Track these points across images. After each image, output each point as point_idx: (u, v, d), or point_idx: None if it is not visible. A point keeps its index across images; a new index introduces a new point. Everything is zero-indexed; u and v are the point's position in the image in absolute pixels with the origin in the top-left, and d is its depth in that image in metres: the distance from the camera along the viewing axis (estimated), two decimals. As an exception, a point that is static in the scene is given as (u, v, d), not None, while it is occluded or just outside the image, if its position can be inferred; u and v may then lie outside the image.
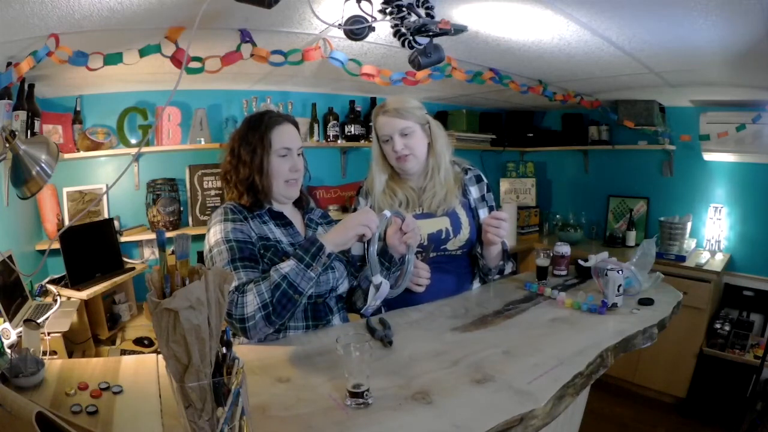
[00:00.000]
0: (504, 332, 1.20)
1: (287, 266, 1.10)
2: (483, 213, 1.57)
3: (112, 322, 2.29)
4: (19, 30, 1.38)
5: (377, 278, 1.24)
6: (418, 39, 1.29)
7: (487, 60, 2.14)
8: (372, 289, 1.25)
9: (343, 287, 1.35)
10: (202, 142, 2.59)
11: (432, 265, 1.47)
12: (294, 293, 1.09)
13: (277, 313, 1.09)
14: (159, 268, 0.70)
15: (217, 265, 1.15)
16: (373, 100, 3.18)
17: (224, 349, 0.72)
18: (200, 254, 2.60)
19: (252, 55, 1.68)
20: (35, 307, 1.90)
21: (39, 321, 1.72)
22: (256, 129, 1.27)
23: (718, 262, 2.86)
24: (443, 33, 1.27)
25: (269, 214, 1.30)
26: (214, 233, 1.20)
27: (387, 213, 1.29)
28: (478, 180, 1.61)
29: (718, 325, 2.73)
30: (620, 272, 1.35)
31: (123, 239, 2.45)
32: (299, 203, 1.42)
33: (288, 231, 1.30)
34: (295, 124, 1.34)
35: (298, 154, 1.32)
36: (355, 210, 1.58)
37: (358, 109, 3.11)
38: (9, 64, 1.53)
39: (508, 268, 1.61)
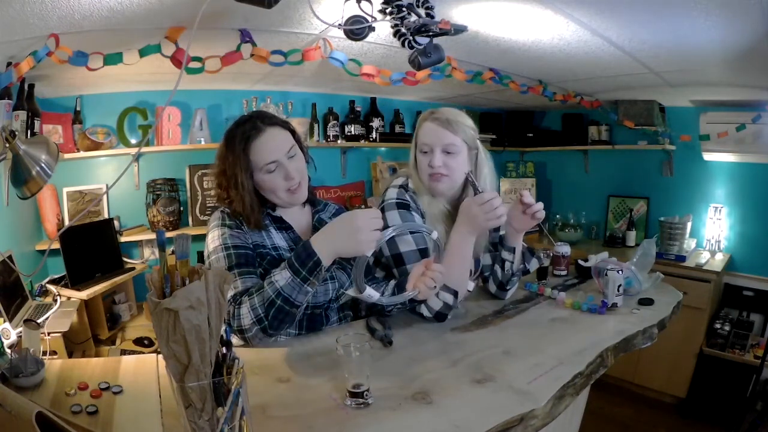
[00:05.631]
0: (504, 332, 1.20)
1: (282, 279, 1.01)
2: None
3: (112, 322, 2.29)
4: (19, 30, 1.38)
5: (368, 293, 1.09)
6: (418, 39, 1.29)
7: (487, 60, 2.14)
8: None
9: (347, 297, 1.27)
10: (202, 142, 2.59)
11: None
12: (290, 307, 1.02)
13: (274, 327, 1.04)
14: (159, 268, 0.70)
15: None
16: (373, 100, 3.19)
17: (224, 349, 0.72)
18: (200, 254, 2.60)
19: (252, 55, 1.68)
20: (35, 307, 1.90)
21: (39, 321, 1.72)
22: (232, 147, 1.15)
23: (718, 262, 2.86)
24: (443, 33, 1.27)
25: (269, 217, 1.23)
26: (212, 239, 1.16)
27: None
28: None
29: (718, 325, 2.73)
30: (620, 272, 1.35)
31: (123, 239, 2.45)
32: (310, 201, 1.32)
33: (288, 235, 1.23)
34: (283, 125, 1.21)
35: (290, 157, 1.18)
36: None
37: (358, 109, 3.11)
38: (9, 64, 1.53)
39: (534, 264, 1.46)
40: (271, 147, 1.16)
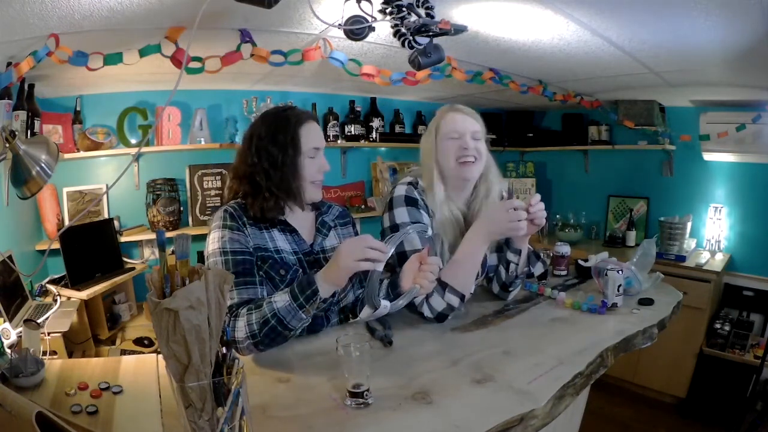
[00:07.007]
0: (504, 332, 1.20)
1: (281, 301, 1.03)
2: None
3: (112, 322, 2.29)
4: (19, 30, 1.38)
5: (380, 303, 1.10)
6: (418, 39, 1.29)
7: (487, 60, 2.14)
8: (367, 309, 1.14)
9: (348, 299, 1.28)
10: (202, 142, 2.59)
11: None
12: (283, 329, 1.03)
13: (265, 344, 1.05)
14: (159, 268, 0.70)
15: None
16: (373, 100, 3.19)
17: (224, 349, 0.72)
18: (200, 254, 2.59)
19: (252, 55, 1.68)
20: (35, 307, 1.90)
21: (39, 321, 1.72)
22: (285, 127, 1.18)
23: (718, 262, 2.86)
24: (443, 33, 1.27)
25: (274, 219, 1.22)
26: (212, 240, 1.15)
27: (421, 234, 1.17)
28: None
29: (718, 325, 2.73)
30: (620, 272, 1.35)
31: (123, 239, 2.45)
32: (313, 203, 1.33)
33: (293, 238, 1.22)
34: (318, 122, 1.29)
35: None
36: (391, 229, 1.33)
37: (358, 109, 3.11)
38: (9, 64, 1.53)
39: (539, 269, 1.48)
40: (318, 135, 1.24)
